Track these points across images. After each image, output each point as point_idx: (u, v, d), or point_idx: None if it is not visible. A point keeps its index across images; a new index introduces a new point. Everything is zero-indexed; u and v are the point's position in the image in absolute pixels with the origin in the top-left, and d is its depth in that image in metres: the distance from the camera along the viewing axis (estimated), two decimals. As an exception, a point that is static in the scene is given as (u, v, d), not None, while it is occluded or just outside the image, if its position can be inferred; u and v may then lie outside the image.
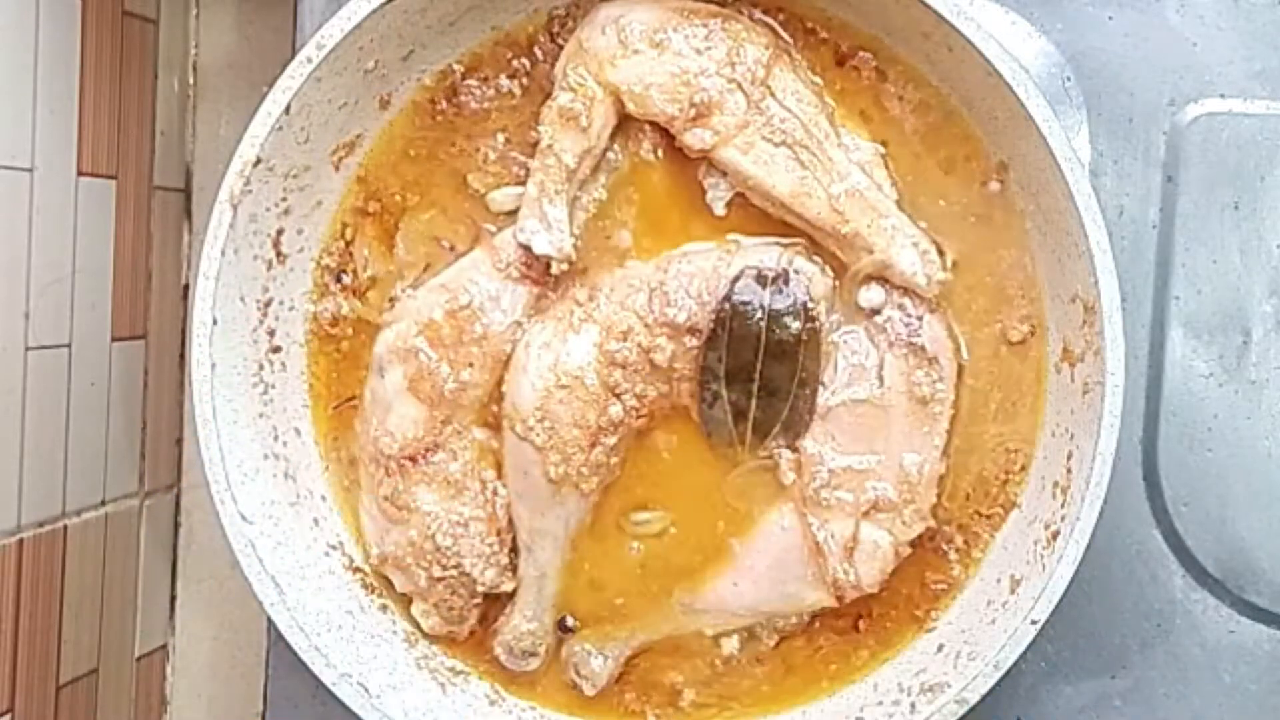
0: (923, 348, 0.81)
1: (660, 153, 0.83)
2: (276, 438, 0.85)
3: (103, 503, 1.08)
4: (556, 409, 0.81)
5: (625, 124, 0.82)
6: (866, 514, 0.81)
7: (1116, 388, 0.76)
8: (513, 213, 0.83)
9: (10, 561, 0.96)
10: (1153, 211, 0.89)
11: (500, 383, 0.83)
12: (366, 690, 0.81)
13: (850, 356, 0.82)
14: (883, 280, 0.81)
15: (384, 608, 0.86)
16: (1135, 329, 0.89)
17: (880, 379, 0.81)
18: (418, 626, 0.86)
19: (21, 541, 0.97)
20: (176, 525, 1.19)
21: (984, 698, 0.79)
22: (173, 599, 1.19)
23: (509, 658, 0.85)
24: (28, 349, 0.97)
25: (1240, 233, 0.89)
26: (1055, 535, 0.79)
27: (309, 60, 0.78)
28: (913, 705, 0.81)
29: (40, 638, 1.00)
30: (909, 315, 0.82)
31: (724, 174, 0.82)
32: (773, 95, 0.80)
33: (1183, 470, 0.89)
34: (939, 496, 0.83)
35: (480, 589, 0.84)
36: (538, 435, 0.81)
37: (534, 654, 0.85)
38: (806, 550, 0.82)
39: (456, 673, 0.86)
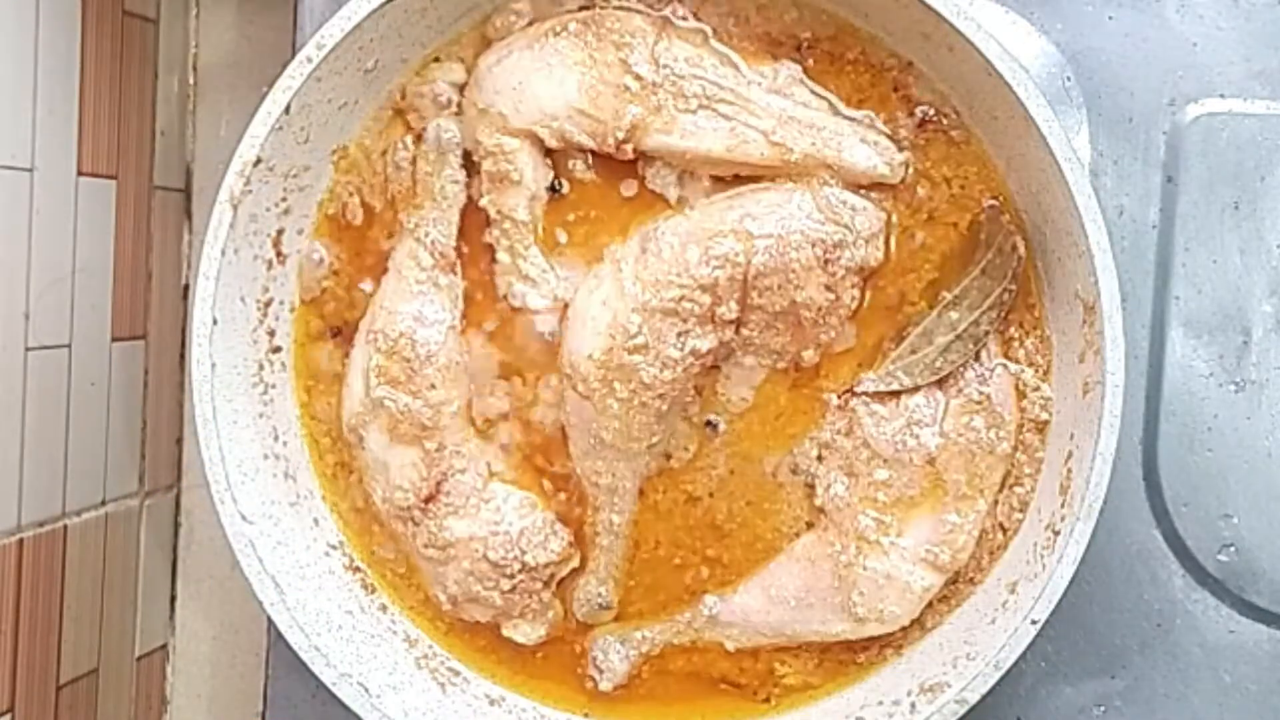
0: (988, 398, 0.81)
1: (593, 166, 0.83)
2: (276, 438, 0.85)
3: (103, 503, 1.08)
4: (616, 368, 0.80)
5: (552, 152, 0.82)
6: (904, 556, 0.81)
7: (1116, 388, 0.76)
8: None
9: (10, 561, 0.96)
10: (1153, 211, 0.89)
11: (468, 385, 0.83)
12: (366, 690, 0.81)
13: (913, 407, 0.82)
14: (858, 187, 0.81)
15: (384, 608, 0.86)
16: (1135, 329, 0.89)
17: (941, 430, 0.82)
18: (419, 627, 0.86)
19: (21, 541, 0.97)
20: (176, 525, 1.19)
21: (984, 698, 0.79)
22: (173, 599, 1.19)
23: (585, 611, 0.85)
24: (28, 349, 0.97)
25: (1240, 233, 0.89)
26: (1055, 535, 0.79)
27: (309, 60, 0.78)
28: (913, 705, 0.81)
29: (40, 638, 1.00)
30: (979, 367, 0.82)
31: (661, 160, 0.81)
32: (669, 68, 0.80)
33: (1183, 470, 0.89)
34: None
35: (550, 571, 0.84)
36: (598, 395, 0.81)
37: (609, 607, 0.85)
38: (836, 580, 0.82)
39: (456, 673, 0.86)
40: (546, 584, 0.84)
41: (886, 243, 0.82)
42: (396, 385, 0.82)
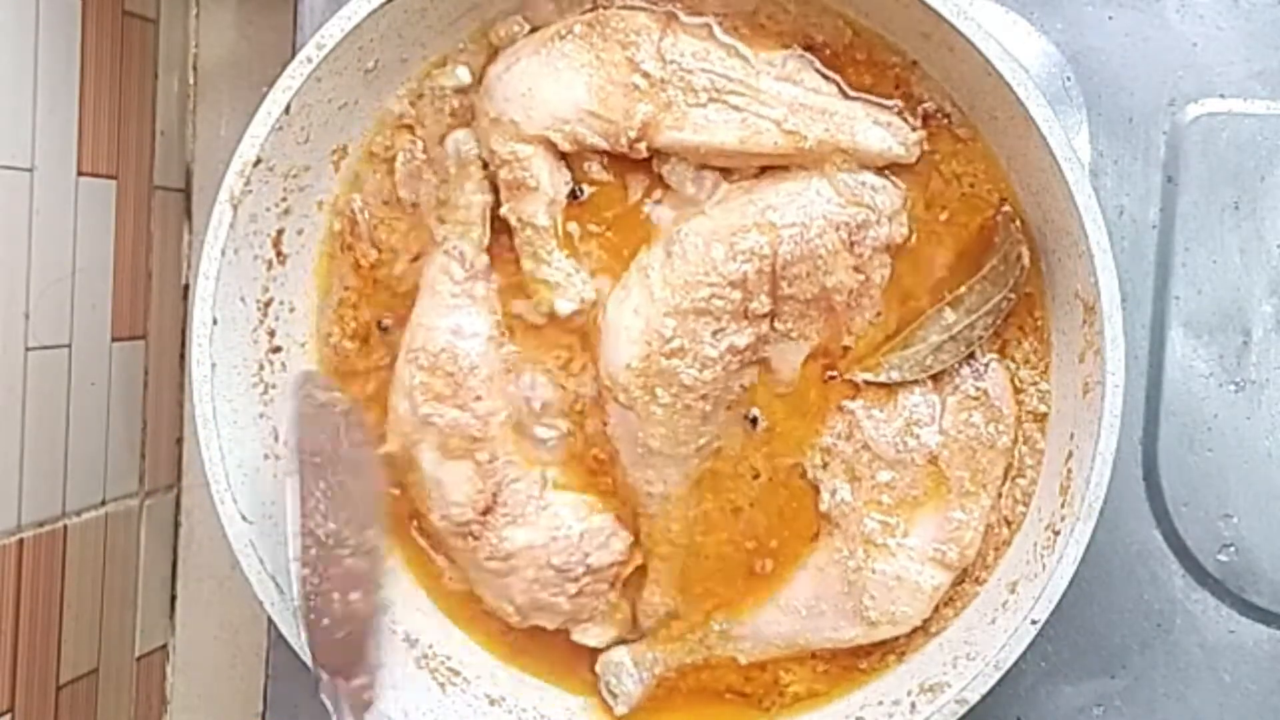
0: (985, 393, 0.81)
1: (609, 166, 0.82)
2: (277, 438, 0.85)
3: (103, 503, 1.08)
4: (656, 374, 0.80)
5: (568, 155, 0.82)
6: (912, 556, 0.81)
7: (1116, 388, 0.76)
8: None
9: (10, 561, 0.96)
10: (1153, 211, 0.89)
11: (512, 392, 0.83)
12: (366, 690, 0.81)
13: (910, 407, 0.82)
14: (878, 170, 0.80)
15: (384, 607, 0.86)
16: (1135, 329, 0.89)
17: (941, 428, 0.82)
18: (417, 628, 0.86)
19: (21, 541, 0.97)
20: (176, 525, 1.19)
21: (984, 698, 0.79)
22: (173, 599, 1.19)
23: (652, 623, 0.85)
24: (28, 349, 0.97)
25: (1240, 233, 0.89)
26: (1055, 535, 0.79)
27: (309, 60, 0.78)
28: (913, 705, 0.81)
29: (40, 638, 1.00)
30: (974, 363, 0.82)
31: (676, 157, 0.81)
32: (677, 64, 0.80)
33: (1183, 470, 0.89)
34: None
35: (615, 571, 0.83)
36: (641, 403, 0.80)
37: (676, 616, 0.85)
38: (846, 586, 0.82)
39: (456, 673, 0.86)
40: (612, 585, 0.84)
41: (909, 219, 0.82)
42: (443, 400, 0.81)
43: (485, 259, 0.83)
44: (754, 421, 0.83)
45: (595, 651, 0.86)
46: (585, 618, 0.84)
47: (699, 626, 0.85)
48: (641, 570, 0.85)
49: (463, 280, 0.82)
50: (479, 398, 0.82)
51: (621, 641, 0.86)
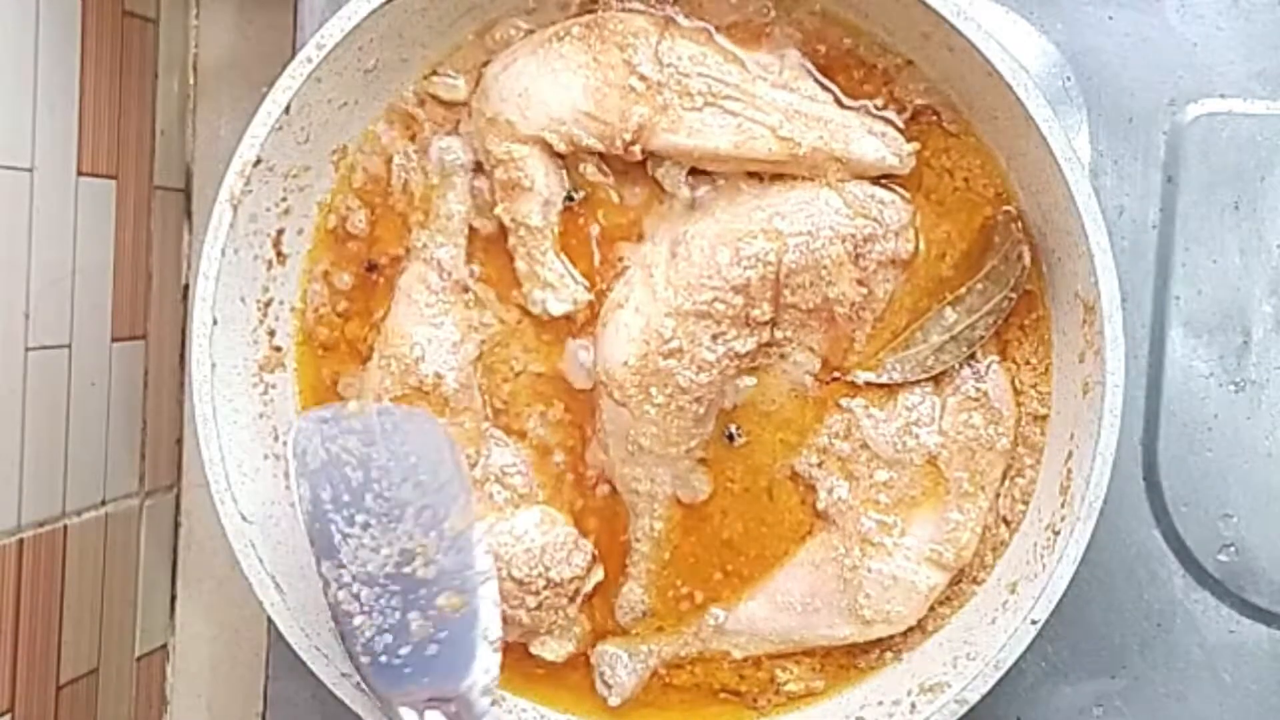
0: (985, 395, 0.81)
1: (606, 168, 0.82)
2: (277, 438, 0.85)
3: (103, 503, 1.08)
4: (652, 373, 0.80)
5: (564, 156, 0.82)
6: (908, 555, 0.81)
7: (1116, 387, 0.76)
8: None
9: (10, 561, 0.96)
10: (1153, 211, 0.89)
11: (481, 405, 0.83)
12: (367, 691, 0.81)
13: (910, 407, 0.82)
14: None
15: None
16: (1135, 329, 0.89)
17: (940, 429, 0.82)
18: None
19: (21, 541, 0.97)
20: (176, 525, 1.19)
21: (984, 698, 0.79)
22: (173, 599, 1.19)
23: (629, 619, 0.85)
24: (28, 349, 0.97)
25: (1240, 233, 0.89)
26: (1055, 535, 0.79)
27: (309, 60, 0.78)
28: (913, 705, 0.81)
29: (40, 638, 1.00)
30: (975, 364, 0.82)
31: (670, 160, 0.81)
32: (674, 67, 0.80)
33: (1183, 470, 0.89)
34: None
35: (575, 585, 0.83)
36: (635, 401, 0.80)
37: (651, 614, 0.85)
38: (842, 584, 0.82)
39: (456, 673, 0.86)
40: (572, 599, 0.83)
41: (917, 234, 0.82)
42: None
43: (462, 269, 0.83)
44: (731, 438, 0.83)
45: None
46: (544, 631, 0.84)
47: (693, 619, 0.85)
48: (610, 579, 0.85)
49: (439, 290, 0.82)
50: (448, 407, 0.82)
51: (579, 655, 0.85)
